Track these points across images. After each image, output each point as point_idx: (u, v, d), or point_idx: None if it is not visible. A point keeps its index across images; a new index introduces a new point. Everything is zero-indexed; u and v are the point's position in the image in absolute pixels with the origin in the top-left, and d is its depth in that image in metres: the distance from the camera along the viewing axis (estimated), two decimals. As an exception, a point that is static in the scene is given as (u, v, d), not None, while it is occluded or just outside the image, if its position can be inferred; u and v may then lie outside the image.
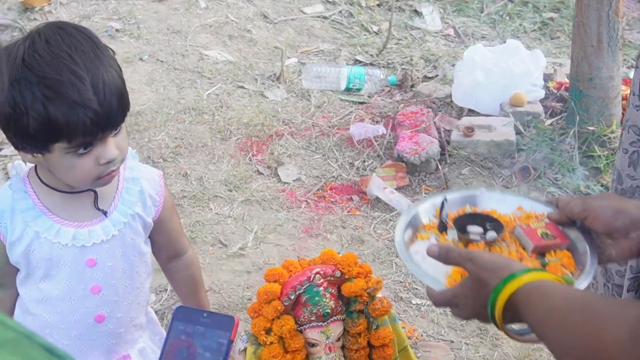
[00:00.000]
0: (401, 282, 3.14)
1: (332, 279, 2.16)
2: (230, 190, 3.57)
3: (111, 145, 1.62)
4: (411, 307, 3.03)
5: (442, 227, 1.59)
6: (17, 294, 1.86)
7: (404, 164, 3.63)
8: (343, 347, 2.21)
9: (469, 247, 1.52)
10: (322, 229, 3.38)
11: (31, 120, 1.55)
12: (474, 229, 1.57)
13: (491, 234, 1.55)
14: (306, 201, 3.54)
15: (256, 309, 2.14)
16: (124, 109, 1.63)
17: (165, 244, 1.93)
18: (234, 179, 3.62)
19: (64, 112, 1.54)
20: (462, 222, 1.59)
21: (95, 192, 1.76)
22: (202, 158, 3.75)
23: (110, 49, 1.67)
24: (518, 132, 3.76)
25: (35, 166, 1.76)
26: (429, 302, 3.08)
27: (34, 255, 1.75)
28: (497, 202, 1.69)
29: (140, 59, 4.47)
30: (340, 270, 2.17)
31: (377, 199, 3.52)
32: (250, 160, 3.74)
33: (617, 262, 1.78)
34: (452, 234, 1.57)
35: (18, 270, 1.81)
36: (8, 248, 1.75)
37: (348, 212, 3.49)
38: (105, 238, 1.77)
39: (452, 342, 2.94)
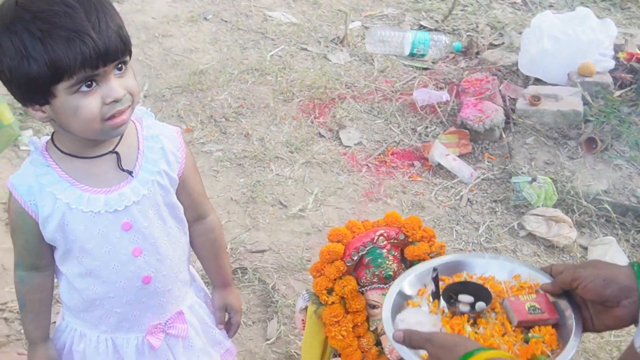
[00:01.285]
0: (461, 249, 3.11)
1: (395, 241, 2.15)
2: (292, 152, 3.56)
3: (116, 84, 1.59)
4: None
5: (435, 295, 1.63)
6: (54, 276, 1.85)
7: (467, 131, 3.58)
8: (403, 311, 2.21)
9: (454, 319, 1.57)
10: (383, 194, 3.37)
11: (32, 62, 1.54)
12: (465, 298, 1.60)
13: (480, 305, 1.58)
14: (367, 165, 3.52)
15: (318, 269, 2.14)
16: (124, 43, 1.59)
17: (188, 205, 1.87)
18: (295, 140, 3.62)
19: (62, 42, 1.52)
20: (456, 289, 1.63)
21: (117, 153, 1.73)
22: (264, 119, 3.75)
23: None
24: (585, 103, 3.68)
25: (52, 137, 1.74)
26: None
27: (69, 227, 1.71)
28: (495, 268, 1.70)
29: (205, 18, 4.47)
30: (404, 233, 2.15)
31: (439, 166, 3.49)
32: (312, 123, 3.73)
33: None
34: (443, 302, 1.62)
35: (54, 249, 1.79)
36: (41, 225, 1.71)
37: (409, 177, 3.46)
38: (136, 199, 1.74)
39: (511, 311, 2.91)
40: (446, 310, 1.61)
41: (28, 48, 1.53)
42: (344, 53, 4.24)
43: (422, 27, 4.53)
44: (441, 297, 1.62)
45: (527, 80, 3.93)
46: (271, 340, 2.74)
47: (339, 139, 3.66)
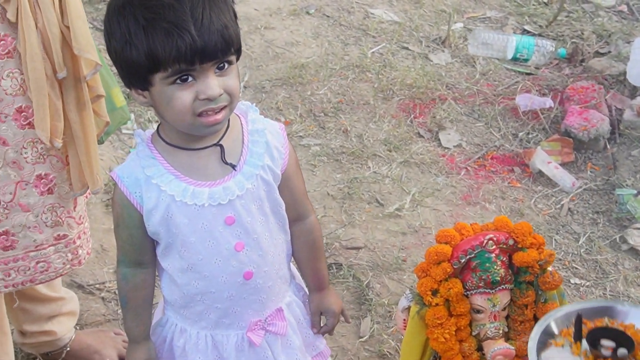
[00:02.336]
0: (560, 259, 3.04)
1: (504, 246, 2.12)
2: (390, 150, 3.54)
3: (213, 82, 1.59)
4: (569, 287, 2.93)
5: (577, 337, 1.72)
6: (156, 272, 1.86)
7: (570, 139, 3.50)
8: (507, 317, 2.17)
9: None
10: (481, 198, 3.32)
11: (133, 49, 1.55)
12: (607, 343, 1.68)
13: (622, 351, 1.66)
14: (466, 168, 3.47)
15: (424, 269, 2.12)
16: (228, 43, 1.59)
17: (289, 203, 1.85)
18: (394, 139, 3.59)
19: (160, 35, 1.53)
20: (597, 334, 1.72)
21: (221, 146, 1.72)
22: (363, 116, 3.73)
23: None
24: (696, 117, 3.56)
25: (158, 128, 1.75)
26: (588, 283, 2.98)
27: (173, 220, 1.72)
28: (636, 316, 1.79)
29: (307, 12, 4.48)
30: (513, 239, 2.12)
31: (540, 173, 3.42)
32: (412, 122, 3.70)
33: None
34: (585, 345, 1.71)
35: (156, 244, 1.79)
36: (145, 218, 1.72)
37: (508, 183, 3.40)
38: (240, 193, 1.72)
39: (610, 326, 2.83)
40: (589, 354, 1.68)
41: (132, 34, 1.55)
42: (446, 54, 4.19)
43: (525, 32, 4.45)
44: (585, 340, 1.70)
45: (634, 91, 3.82)
46: (364, 338, 2.72)
47: (438, 140, 3.62)
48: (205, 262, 1.76)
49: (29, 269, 2.07)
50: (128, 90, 1.69)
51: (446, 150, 3.57)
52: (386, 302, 2.85)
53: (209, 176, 1.72)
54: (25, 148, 1.95)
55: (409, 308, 2.17)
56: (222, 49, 1.58)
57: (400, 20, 4.42)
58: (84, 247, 2.19)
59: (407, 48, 4.22)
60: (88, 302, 2.83)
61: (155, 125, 3.52)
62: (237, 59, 1.67)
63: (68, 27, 1.91)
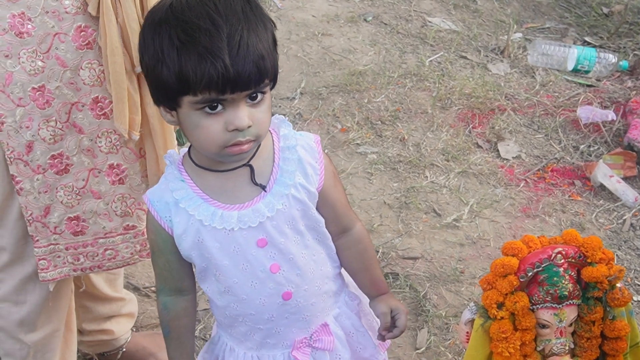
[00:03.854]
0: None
1: (573, 260, 2.06)
2: (448, 160, 3.50)
3: (243, 113, 1.53)
4: (632, 304, 2.86)
5: None
6: (195, 299, 1.83)
7: (634, 153, 3.43)
8: (574, 333, 2.11)
9: None
10: (541, 211, 3.26)
11: (164, 68, 1.51)
12: None
13: None
14: (525, 180, 3.41)
15: (490, 281, 2.07)
16: (262, 74, 1.53)
17: (331, 218, 1.78)
18: (451, 149, 3.55)
19: (193, 59, 1.48)
20: None
21: (251, 166, 1.67)
22: (420, 124, 3.70)
23: (270, 19, 1.59)
24: None
25: (189, 150, 1.70)
26: (651, 301, 2.91)
27: (204, 245, 1.68)
28: None
29: (365, 19, 4.46)
30: (582, 253, 2.06)
31: (602, 187, 3.35)
32: (470, 132, 3.65)
33: None
34: None
35: (194, 267, 1.76)
36: (177, 242, 1.69)
37: (569, 196, 3.34)
38: (269, 215, 1.66)
39: (674, 346, 2.75)
40: None
41: (164, 53, 1.51)
42: (504, 64, 4.14)
43: (585, 43, 4.38)
44: None
45: (699, 106, 3.74)
46: (420, 350, 2.68)
47: (497, 150, 3.57)
48: (241, 285, 1.71)
49: (97, 255, 2.10)
50: (156, 106, 1.66)
51: (505, 162, 3.51)
52: (443, 314, 2.80)
53: (237, 199, 1.67)
54: (99, 137, 1.98)
55: (472, 321, 2.12)
56: (256, 79, 1.52)
57: (458, 29, 4.38)
58: None
59: (465, 57, 4.17)
60: (144, 305, 2.84)
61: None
62: (272, 88, 1.61)
63: None
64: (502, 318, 2.04)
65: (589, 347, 2.10)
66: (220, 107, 1.52)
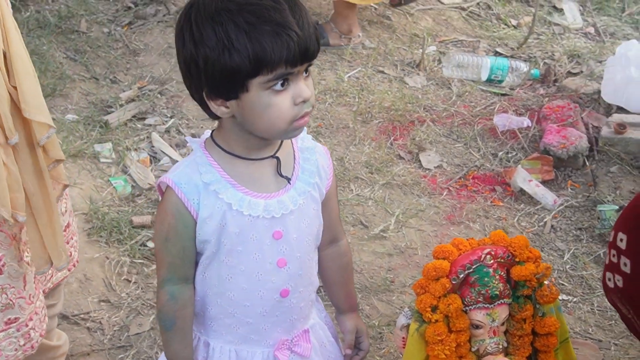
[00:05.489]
0: (547, 276, 3.05)
1: (502, 260, 2.11)
2: (372, 173, 3.54)
3: (304, 85, 1.60)
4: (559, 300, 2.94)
5: None
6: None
7: (550, 157, 3.53)
8: (506, 332, 2.16)
9: None
10: (465, 217, 3.33)
11: (234, 53, 1.53)
12: None
13: None
14: (448, 188, 3.48)
15: (423, 286, 2.10)
16: (319, 42, 1.61)
17: (326, 225, 1.85)
18: (375, 161, 3.59)
19: (269, 35, 1.52)
20: None
21: (277, 158, 1.72)
22: (343, 139, 3.73)
23: None
24: (672, 133, 3.61)
25: (212, 135, 1.73)
26: (575, 299, 2.99)
27: (226, 230, 1.69)
28: None
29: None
30: (511, 253, 2.11)
31: (521, 191, 3.44)
32: (392, 145, 3.71)
33: None
34: None
35: (199, 256, 1.77)
36: (199, 226, 1.69)
37: (491, 202, 3.42)
38: (293, 208, 1.72)
39: (600, 341, 2.84)
40: None
41: (232, 39, 1.53)
42: (421, 77, 4.22)
43: (497, 54, 4.50)
44: None
45: (608, 109, 3.87)
46: (356, 360, 2.69)
47: (419, 161, 3.63)
48: (247, 275, 1.74)
49: None
50: (205, 101, 1.64)
51: (427, 172, 3.58)
52: (376, 324, 2.83)
53: (264, 188, 1.71)
54: None
55: (408, 326, 2.15)
56: (317, 49, 1.60)
57: (374, 45, 4.44)
58: (36, 329, 2.03)
59: (382, 72, 4.24)
60: (73, 333, 2.78)
61: (134, 154, 3.49)
62: None
63: (16, 88, 1.78)
64: (436, 321, 2.08)
65: (521, 344, 2.15)
66: (286, 83, 1.57)
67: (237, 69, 1.55)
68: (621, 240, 1.91)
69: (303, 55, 1.56)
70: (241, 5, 1.54)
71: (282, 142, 1.73)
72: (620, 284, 1.93)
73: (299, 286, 1.80)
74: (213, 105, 1.63)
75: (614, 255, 1.94)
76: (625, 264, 1.90)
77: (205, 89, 1.61)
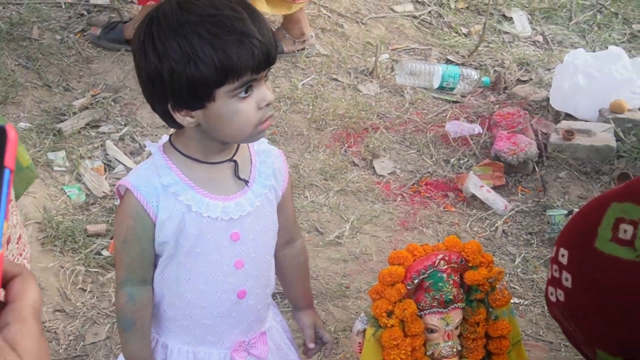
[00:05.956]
0: (499, 280, 3.11)
1: (455, 265, 2.16)
2: (326, 180, 3.57)
3: (267, 89, 1.64)
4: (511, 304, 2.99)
5: None
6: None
7: (501, 163, 3.60)
8: (460, 336, 2.20)
9: None
10: (418, 223, 3.37)
11: (200, 65, 1.55)
12: None
13: None
14: (401, 195, 3.53)
15: (378, 291, 2.14)
16: (277, 46, 1.66)
17: (283, 225, 1.89)
18: (329, 168, 3.63)
19: (233, 45, 1.55)
20: None
21: (235, 161, 1.75)
22: (297, 146, 3.76)
23: None
24: (618, 139, 3.70)
25: (170, 140, 1.75)
26: (527, 302, 3.05)
27: (184, 232, 1.72)
28: None
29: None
30: (464, 258, 2.16)
31: (473, 197, 3.50)
32: (346, 152, 3.75)
33: None
34: None
35: (158, 258, 1.78)
36: (158, 228, 1.71)
37: (444, 208, 3.47)
38: (250, 209, 1.75)
39: (551, 343, 2.91)
40: None
41: (197, 51, 1.56)
42: (374, 84, 4.27)
43: (448, 62, 4.57)
44: None
45: (557, 116, 3.96)
46: (313, 366, 2.72)
47: (373, 168, 3.67)
48: (204, 276, 1.76)
49: None
50: (170, 113, 1.65)
51: (381, 178, 3.62)
52: (332, 329, 2.86)
53: (222, 190, 1.74)
54: None
55: (364, 331, 2.18)
56: (276, 53, 1.65)
57: (327, 53, 4.48)
58: None
59: (336, 79, 4.28)
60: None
61: (88, 162, 3.48)
62: None
63: None
64: (392, 326, 2.11)
65: (475, 347, 2.20)
66: (250, 89, 1.61)
67: (203, 80, 1.57)
68: (563, 255, 1.96)
69: (266, 61, 1.60)
70: (203, 16, 1.57)
71: (239, 145, 1.76)
72: (562, 298, 1.98)
73: (256, 288, 1.83)
74: (178, 116, 1.65)
75: (555, 270, 1.99)
76: (566, 279, 1.95)
77: (170, 101, 1.63)
